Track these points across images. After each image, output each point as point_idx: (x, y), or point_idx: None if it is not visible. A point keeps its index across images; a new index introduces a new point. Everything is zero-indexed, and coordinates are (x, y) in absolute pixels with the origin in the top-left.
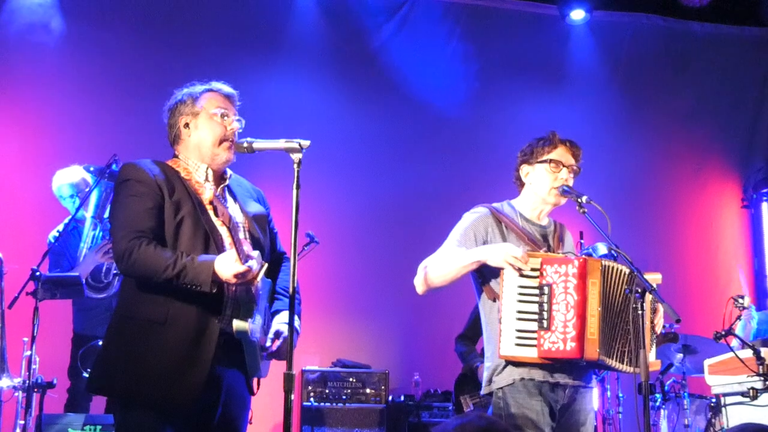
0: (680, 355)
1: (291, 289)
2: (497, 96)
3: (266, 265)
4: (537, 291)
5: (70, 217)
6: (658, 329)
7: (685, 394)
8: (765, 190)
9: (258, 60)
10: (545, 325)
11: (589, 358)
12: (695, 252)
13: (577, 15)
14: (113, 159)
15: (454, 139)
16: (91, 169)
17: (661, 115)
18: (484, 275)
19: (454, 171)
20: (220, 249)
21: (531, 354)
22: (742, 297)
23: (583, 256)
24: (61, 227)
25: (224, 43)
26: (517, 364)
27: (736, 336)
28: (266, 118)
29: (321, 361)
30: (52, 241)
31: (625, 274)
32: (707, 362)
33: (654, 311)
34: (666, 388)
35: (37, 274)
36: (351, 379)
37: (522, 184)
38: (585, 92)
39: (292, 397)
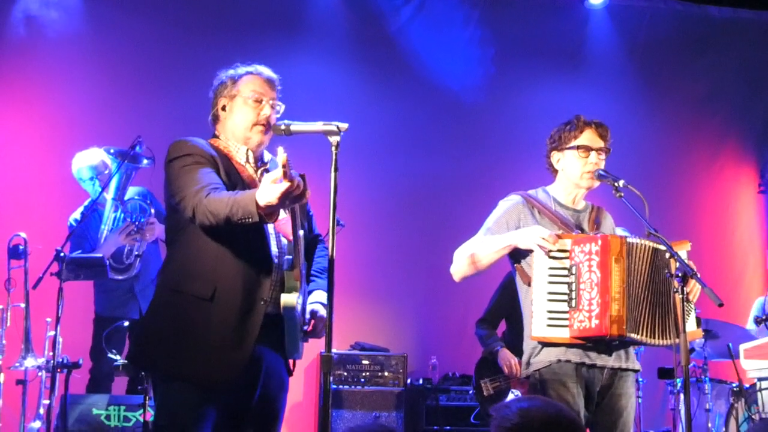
0: (701, 340)
1: (330, 268)
2: (514, 80)
3: (305, 176)
4: (566, 272)
5: (90, 199)
6: (694, 298)
7: (707, 378)
8: None
9: (277, 44)
10: (573, 304)
11: (614, 334)
12: (711, 237)
13: None
14: (137, 140)
15: (471, 123)
16: (112, 151)
17: (678, 100)
18: (519, 260)
19: (471, 155)
20: (267, 234)
21: (563, 334)
22: None
23: (610, 234)
24: (81, 209)
25: (244, 27)
26: (553, 345)
27: None
28: (286, 102)
29: (339, 343)
30: (73, 223)
31: (650, 249)
32: (743, 347)
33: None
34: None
35: (62, 255)
36: (369, 362)
37: (555, 171)
38: (602, 77)
39: (330, 378)
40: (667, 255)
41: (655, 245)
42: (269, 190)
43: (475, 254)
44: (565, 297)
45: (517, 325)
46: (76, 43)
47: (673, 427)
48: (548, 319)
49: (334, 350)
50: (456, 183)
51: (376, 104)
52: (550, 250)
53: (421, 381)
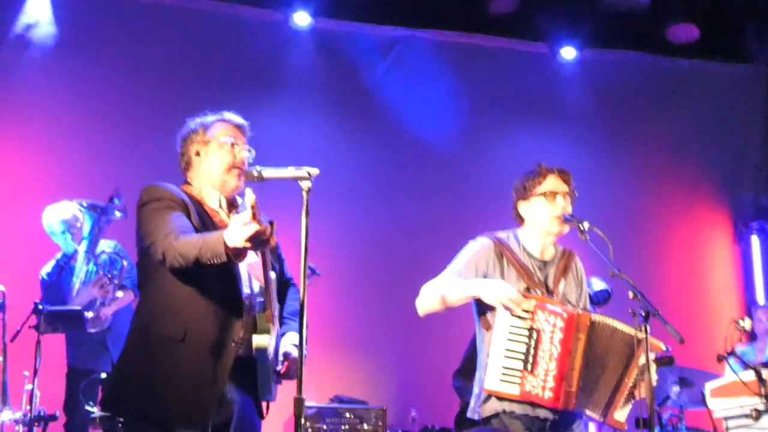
0: (677, 388)
1: (300, 310)
2: (488, 132)
3: (275, 223)
4: (527, 332)
5: (61, 253)
6: (638, 395)
7: (683, 426)
8: (754, 224)
9: (254, 96)
10: (529, 368)
11: (564, 408)
12: (686, 285)
13: (568, 53)
14: (116, 192)
15: (446, 173)
16: (84, 204)
17: (651, 150)
18: (482, 307)
19: (446, 205)
20: (239, 276)
21: (514, 391)
22: (743, 319)
23: (576, 310)
24: (53, 263)
25: (221, 79)
26: (501, 398)
27: (738, 357)
28: (263, 153)
29: (318, 397)
30: (45, 277)
31: (614, 329)
32: (708, 385)
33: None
34: (663, 421)
35: (40, 307)
36: (348, 415)
37: (522, 220)
38: (575, 128)
39: (303, 421)
40: (631, 294)
41: (617, 325)
42: (237, 231)
43: (441, 295)
44: (522, 356)
45: None
46: (49, 95)
47: None
48: (502, 374)
49: (313, 403)
50: (431, 232)
51: (352, 155)
52: (520, 310)
53: None
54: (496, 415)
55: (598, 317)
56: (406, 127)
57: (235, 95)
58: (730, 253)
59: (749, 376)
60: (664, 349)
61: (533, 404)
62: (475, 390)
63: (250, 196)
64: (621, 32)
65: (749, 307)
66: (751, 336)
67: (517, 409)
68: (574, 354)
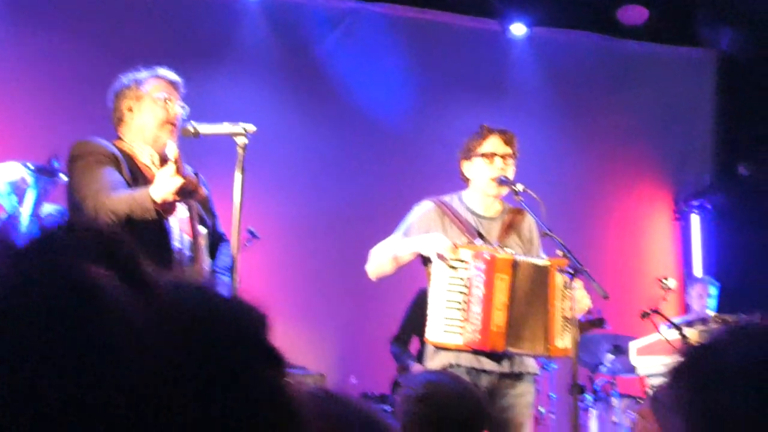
0: (610, 356)
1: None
2: (438, 106)
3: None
4: (462, 282)
5: (5, 214)
6: (570, 315)
7: (616, 393)
8: (695, 203)
9: (202, 68)
10: (465, 315)
11: (493, 349)
12: (626, 258)
13: (518, 30)
14: (53, 157)
15: (395, 147)
16: (30, 166)
17: (598, 130)
18: (427, 265)
19: (393, 179)
20: (169, 230)
21: (456, 341)
22: (667, 278)
23: (497, 250)
24: None
25: (169, 51)
26: (447, 350)
27: (662, 315)
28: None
29: None
30: None
31: (535, 266)
32: (634, 344)
33: (571, 298)
34: (596, 388)
35: None
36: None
37: (467, 180)
38: (524, 106)
39: None
40: (560, 252)
41: (537, 262)
42: (163, 185)
43: (388, 254)
44: (461, 306)
45: None
46: None
47: None
48: (444, 325)
49: None
50: (376, 205)
51: (302, 128)
52: (450, 259)
53: None
54: (443, 370)
55: (520, 258)
56: (355, 99)
57: (183, 64)
58: (670, 230)
59: (673, 335)
60: (568, 263)
61: (478, 355)
62: (424, 350)
63: (172, 149)
64: (572, 11)
65: (686, 280)
66: (687, 309)
67: (464, 361)
68: (499, 294)
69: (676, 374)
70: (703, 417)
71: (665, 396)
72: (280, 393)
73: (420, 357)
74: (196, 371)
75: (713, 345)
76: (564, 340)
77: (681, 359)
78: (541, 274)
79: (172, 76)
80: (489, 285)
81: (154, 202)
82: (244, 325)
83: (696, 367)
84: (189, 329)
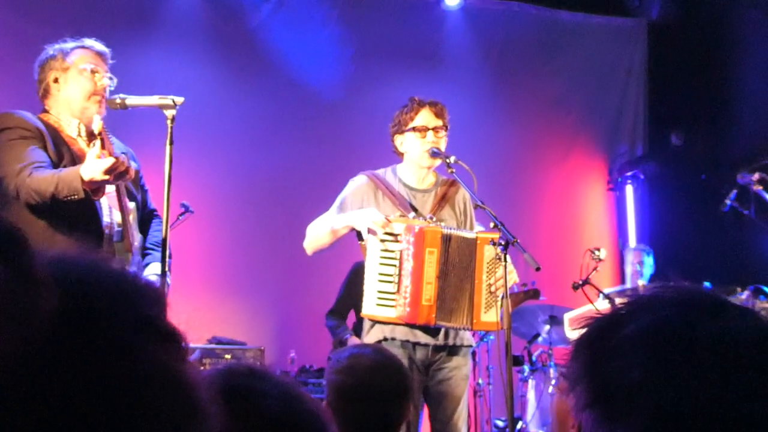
0: (547, 327)
1: (163, 241)
2: (372, 79)
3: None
4: (395, 255)
5: None
6: (499, 292)
7: (552, 363)
8: (628, 174)
9: (132, 39)
10: (397, 288)
11: (424, 323)
12: (561, 231)
13: (452, 0)
14: None
15: (329, 119)
16: None
17: (532, 100)
18: (363, 238)
19: (327, 150)
20: (99, 206)
21: (390, 314)
22: (599, 249)
23: (427, 224)
24: None
25: (96, 19)
26: (383, 323)
27: (593, 285)
28: (142, 94)
29: (196, 337)
30: None
31: (464, 239)
32: (567, 315)
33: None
34: (533, 359)
35: None
36: (227, 356)
37: (401, 154)
38: (459, 77)
39: None
40: (492, 224)
41: (465, 235)
42: (93, 165)
43: (323, 230)
44: (392, 279)
45: None
46: None
47: (523, 413)
48: (378, 299)
49: (190, 345)
50: (311, 176)
51: (235, 98)
52: (383, 233)
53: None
54: (378, 344)
55: (451, 231)
56: (288, 70)
57: (110, 37)
58: (605, 200)
59: (604, 305)
60: (499, 235)
61: (413, 328)
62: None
63: (97, 123)
64: None
65: (622, 250)
66: (622, 278)
67: (399, 334)
68: (428, 268)
69: (577, 347)
70: (600, 386)
71: (569, 369)
72: (172, 370)
73: (357, 330)
74: (75, 345)
75: (613, 317)
76: (489, 314)
77: (584, 332)
78: (469, 247)
79: (99, 46)
80: (419, 258)
81: (83, 182)
82: (133, 302)
83: (595, 339)
84: (69, 309)
